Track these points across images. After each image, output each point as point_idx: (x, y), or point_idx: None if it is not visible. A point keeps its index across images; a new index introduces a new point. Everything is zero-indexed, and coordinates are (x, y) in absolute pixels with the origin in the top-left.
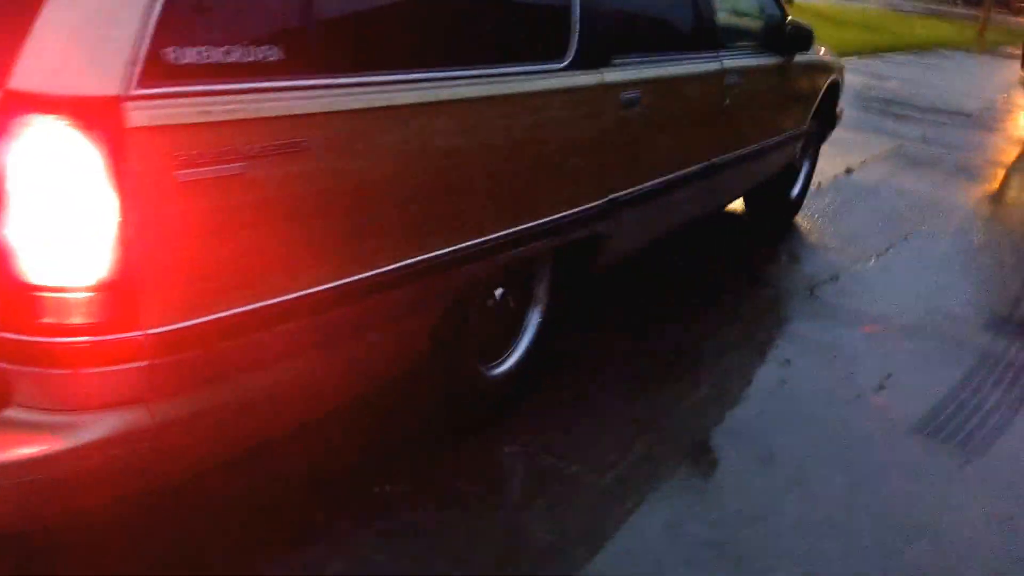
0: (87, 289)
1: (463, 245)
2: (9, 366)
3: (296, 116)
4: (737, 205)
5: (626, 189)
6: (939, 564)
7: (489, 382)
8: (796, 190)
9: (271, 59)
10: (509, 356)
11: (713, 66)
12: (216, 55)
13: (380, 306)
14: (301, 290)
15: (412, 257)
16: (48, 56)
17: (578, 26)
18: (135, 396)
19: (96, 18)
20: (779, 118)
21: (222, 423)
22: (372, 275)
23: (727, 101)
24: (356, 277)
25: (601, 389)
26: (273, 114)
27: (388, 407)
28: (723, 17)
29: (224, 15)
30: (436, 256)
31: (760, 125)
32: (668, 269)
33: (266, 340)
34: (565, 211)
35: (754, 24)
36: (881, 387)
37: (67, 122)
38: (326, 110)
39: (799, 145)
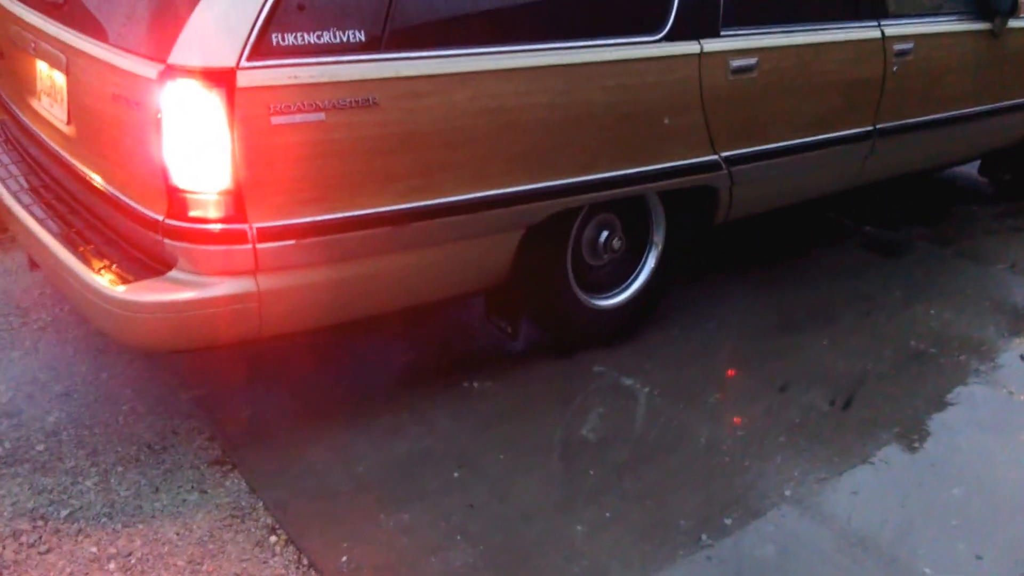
0: (214, 193)
1: (528, 187)
2: (172, 242)
3: (368, 80)
4: None
5: (738, 149)
6: None
7: (593, 312)
8: None
9: (348, 41)
10: (621, 292)
11: (869, 33)
12: (303, 39)
13: (448, 228)
14: (369, 208)
15: (479, 191)
16: (191, 42)
17: (676, 4)
18: (246, 269)
19: (222, 17)
20: (987, 86)
21: (312, 297)
22: (437, 203)
23: (894, 68)
24: (419, 204)
25: (712, 336)
26: (347, 79)
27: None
28: None
29: (311, 16)
30: (503, 193)
31: (952, 93)
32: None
33: (342, 241)
34: (661, 163)
35: None
36: None
37: (200, 83)
38: (393, 75)
39: None
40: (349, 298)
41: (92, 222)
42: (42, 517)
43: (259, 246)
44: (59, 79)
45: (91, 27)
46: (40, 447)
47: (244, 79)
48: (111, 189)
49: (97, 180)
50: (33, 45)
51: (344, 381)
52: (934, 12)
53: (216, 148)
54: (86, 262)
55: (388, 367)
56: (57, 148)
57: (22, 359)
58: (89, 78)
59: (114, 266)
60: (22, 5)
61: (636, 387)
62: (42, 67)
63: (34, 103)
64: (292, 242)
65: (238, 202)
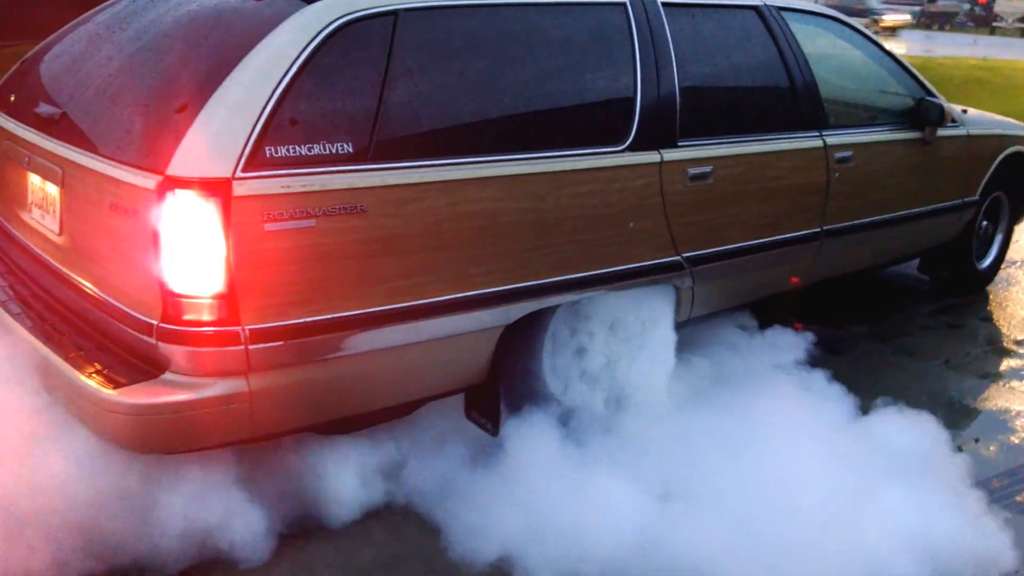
0: (209, 297)
1: (505, 288)
2: (166, 345)
3: (356, 189)
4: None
5: (698, 250)
6: None
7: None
8: (988, 261)
9: (337, 153)
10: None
11: (812, 143)
12: (296, 152)
13: (430, 327)
14: (356, 309)
15: (459, 292)
16: (189, 154)
17: (637, 118)
18: (239, 370)
19: (219, 131)
20: (921, 189)
21: (301, 397)
22: (421, 304)
23: (836, 175)
24: (403, 304)
25: None
26: (336, 188)
27: None
28: (840, 100)
29: (301, 131)
30: (482, 294)
31: (889, 196)
32: None
33: (331, 341)
34: (628, 264)
35: (883, 103)
36: None
37: (198, 193)
38: (379, 184)
39: (967, 215)
40: (337, 397)
41: (83, 328)
42: None
43: (251, 347)
44: (52, 191)
45: (87, 141)
46: None
47: (240, 189)
48: (103, 295)
49: (88, 287)
50: (27, 159)
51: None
52: (870, 123)
53: (211, 254)
54: (78, 367)
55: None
56: (48, 258)
57: None
58: (85, 189)
59: (106, 370)
60: (15, 121)
61: None
62: (35, 180)
63: (23, 215)
64: (282, 343)
65: (232, 305)
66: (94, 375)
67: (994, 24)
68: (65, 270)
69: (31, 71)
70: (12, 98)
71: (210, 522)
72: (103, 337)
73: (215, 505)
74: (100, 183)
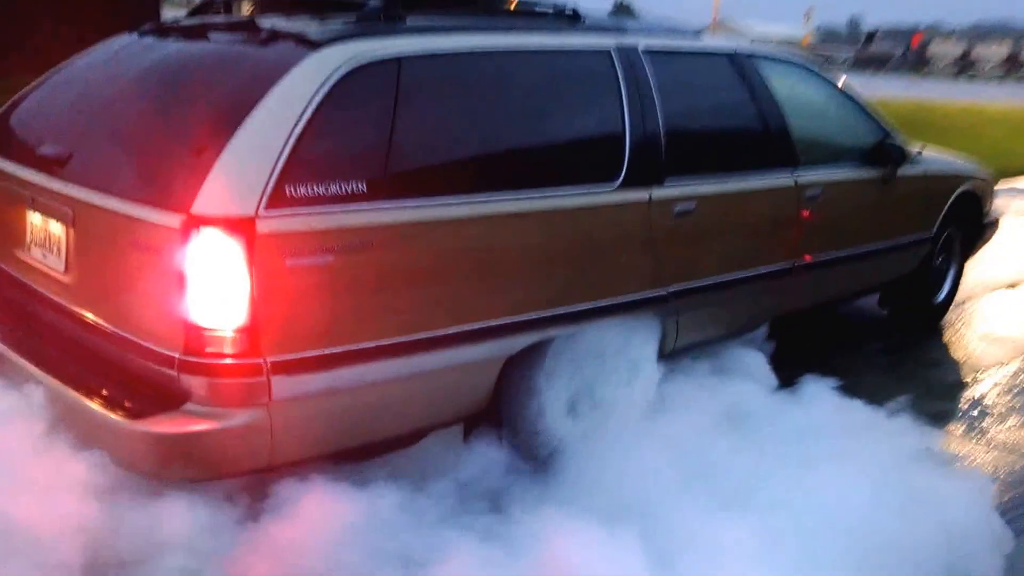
0: (232, 331)
1: (508, 320)
2: (188, 377)
3: (368, 227)
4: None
5: (682, 283)
6: None
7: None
8: (942, 295)
9: (358, 192)
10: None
11: (784, 181)
12: (314, 191)
13: (439, 358)
14: (370, 341)
15: (465, 324)
16: (213, 194)
17: (627, 157)
18: (260, 401)
19: (242, 171)
20: (882, 225)
21: (317, 425)
22: (430, 336)
23: (807, 211)
24: (413, 336)
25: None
26: (350, 225)
27: None
28: (808, 141)
29: (318, 169)
30: (486, 326)
31: (854, 232)
32: None
33: (347, 372)
34: (620, 296)
35: (848, 143)
36: None
37: (223, 230)
38: (390, 222)
39: (923, 250)
40: (352, 426)
41: (91, 362)
42: None
43: (272, 378)
44: (57, 230)
45: (101, 182)
46: None
47: (263, 226)
48: (117, 329)
49: (99, 322)
50: (31, 200)
51: None
52: (836, 162)
53: (235, 289)
54: (97, 399)
55: None
56: (52, 295)
57: None
58: (100, 228)
59: (125, 401)
60: (13, 162)
61: None
62: (35, 220)
63: (20, 254)
64: (301, 374)
65: (254, 338)
66: (114, 406)
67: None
68: (72, 306)
69: (24, 112)
70: (7, 139)
71: None
72: (115, 370)
73: None
74: (118, 222)
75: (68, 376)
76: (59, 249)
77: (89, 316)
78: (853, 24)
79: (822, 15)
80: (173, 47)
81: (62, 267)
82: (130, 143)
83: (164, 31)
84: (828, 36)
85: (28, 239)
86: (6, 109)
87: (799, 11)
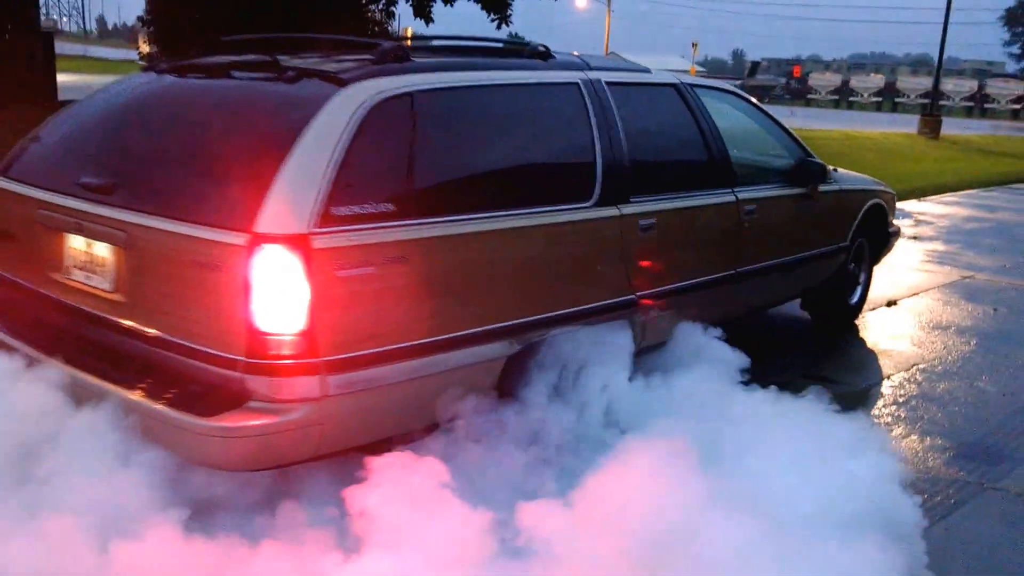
0: (292, 335)
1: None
2: (251, 376)
3: (401, 241)
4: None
5: (647, 289)
6: None
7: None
8: (855, 297)
9: (389, 211)
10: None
11: (727, 198)
12: (359, 209)
13: (458, 356)
14: (405, 341)
15: (479, 326)
16: (272, 216)
17: (600, 178)
18: (315, 396)
19: (294, 197)
20: (807, 236)
21: (360, 418)
22: (452, 337)
23: (746, 225)
24: (440, 337)
25: None
26: (386, 240)
27: None
28: (744, 161)
29: (354, 192)
30: (495, 328)
31: (784, 242)
32: None
33: (387, 370)
34: (598, 301)
35: (776, 164)
36: None
37: (285, 247)
38: (417, 237)
39: (840, 258)
40: (388, 418)
41: (146, 371)
42: None
43: (327, 376)
44: (103, 252)
45: (156, 206)
46: None
47: (317, 242)
48: (175, 339)
49: (155, 333)
50: (76, 225)
51: None
52: (767, 181)
53: (296, 298)
54: (170, 403)
55: None
56: (99, 313)
57: None
58: (156, 248)
59: (191, 402)
60: (48, 191)
61: None
62: (76, 244)
63: (58, 276)
64: (349, 371)
65: (311, 340)
66: (185, 408)
67: (809, 96)
68: (124, 321)
69: (49, 145)
70: (40, 168)
71: None
72: (171, 376)
73: None
74: (177, 242)
75: (132, 385)
76: (105, 270)
77: (140, 328)
78: (738, 56)
79: (704, 48)
80: (202, 84)
81: (110, 286)
82: (181, 172)
83: (183, 69)
84: (714, 67)
85: (67, 262)
86: (27, 142)
87: (680, 45)
